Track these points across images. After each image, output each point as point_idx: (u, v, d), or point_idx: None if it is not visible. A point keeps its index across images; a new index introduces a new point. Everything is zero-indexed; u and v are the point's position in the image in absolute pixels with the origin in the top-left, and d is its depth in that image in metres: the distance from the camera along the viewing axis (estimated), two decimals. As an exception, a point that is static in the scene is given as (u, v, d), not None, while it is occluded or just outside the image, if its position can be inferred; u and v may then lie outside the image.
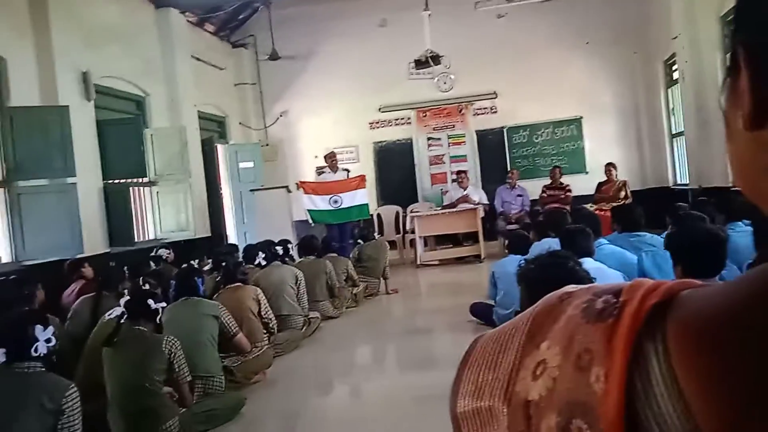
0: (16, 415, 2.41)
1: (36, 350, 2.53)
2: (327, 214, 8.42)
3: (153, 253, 6.24)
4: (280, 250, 6.05)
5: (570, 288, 0.44)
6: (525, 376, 0.40)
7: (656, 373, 0.34)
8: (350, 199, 8.44)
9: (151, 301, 3.23)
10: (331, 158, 8.82)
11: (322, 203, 8.40)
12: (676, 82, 8.37)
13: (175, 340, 3.26)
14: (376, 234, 7.91)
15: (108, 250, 6.57)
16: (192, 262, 6.10)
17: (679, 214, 4.55)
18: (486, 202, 9.30)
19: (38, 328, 2.57)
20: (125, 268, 5.04)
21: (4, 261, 5.61)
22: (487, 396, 0.43)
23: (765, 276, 0.34)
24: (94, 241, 6.30)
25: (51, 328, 2.63)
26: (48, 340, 2.57)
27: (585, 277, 2.09)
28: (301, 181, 8.81)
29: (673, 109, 9.21)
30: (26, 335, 2.54)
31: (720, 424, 0.31)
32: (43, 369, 2.55)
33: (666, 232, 3.22)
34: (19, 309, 3.37)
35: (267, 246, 6.10)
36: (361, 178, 8.69)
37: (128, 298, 3.29)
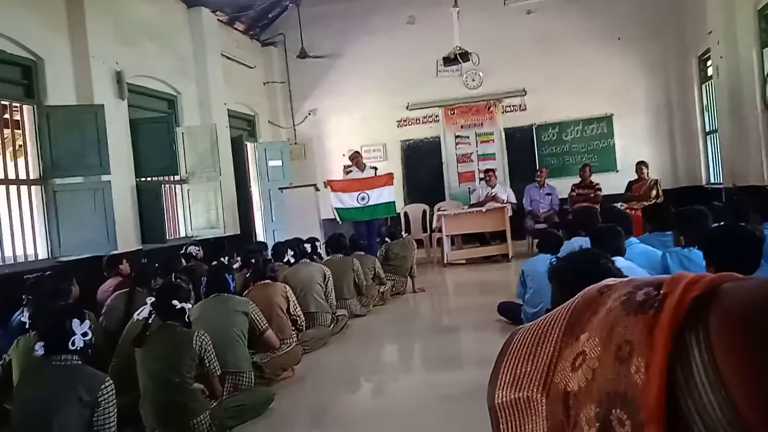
0: (56, 407, 2.48)
1: (73, 343, 2.59)
2: (354, 212, 8.45)
3: (183, 251, 6.34)
4: (308, 247, 6.10)
5: (610, 281, 0.44)
6: (564, 367, 0.41)
7: (698, 364, 0.34)
8: (377, 196, 8.45)
9: (176, 302, 3.27)
10: (354, 158, 8.86)
11: (349, 200, 8.43)
12: (710, 78, 8.19)
13: (205, 335, 3.30)
14: (403, 233, 7.90)
15: (140, 247, 6.70)
16: (222, 259, 6.19)
17: (715, 211, 4.48)
18: (514, 200, 9.22)
19: (75, 321, 2.64)
20: (157, 264, 5.13)
21: (41, 257, 5.76)
22: (525, 387, 0.44)
23: None
24: (127, 238, 6.43)
25: (87, 322, 2.70)
26: (84, 334, 2.64)
27: (618, 275, 2.06)
28: (328, 180, 8.86)
29: (706, 105, 9.01)
30: (64, 329, 2.61)
31: (763, 415, 0.31)
32: (80, 362, 2.61)
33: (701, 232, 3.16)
34: (57, 304, 3.45)
35: (296, 244, 6.15)
36: (389, 176, 8.70)
37: (154, 298, 3.33)
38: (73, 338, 2.60)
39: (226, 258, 6.41)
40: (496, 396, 0.46)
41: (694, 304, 0.36)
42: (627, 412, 0.35)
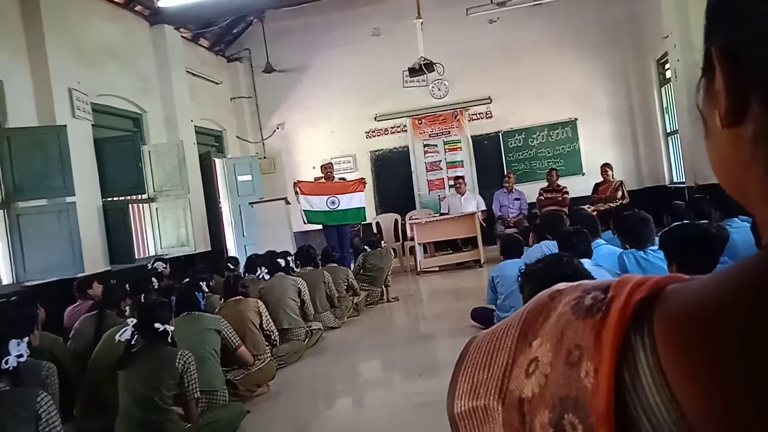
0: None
1: (7, 362, 2.56)
2: (323, 215, 8.32)
3: (149, 267, 6.24)
4: (282, 262, 6.00)
5: (561, 285, 0.44)
6: (518, 374, 0.41)
7: (644, 366, 0.35)
8: (348, 201, 8.38)
9: (157, 324, 3.24)
10: (327, 169, 8.78)
11: (319, 203, 8.28)
12: (669, 80, 8.40)
13: (190, 355, 3.25)
14: (382, 242, 7.88)
15: (109, 268, 6.58)
16: (200, 276, 6.09)
17: (678, 210, 4.59)
18: (483, 207, 9.32)
19: (12, 342, 2.61)
20: (127, 285, 5.04)
21: (4, 282, 5.62)
22: (482, 395, 0.44)
23: (745, 269, 0.35)
24: (95, 259, 6.31)
25: (24, 345, 2.67)
26: (20, 355, 2.61)
27: (588, 276, 2.10)
28: (298, 180, 8.69)
29: (666, 107, 9.23)
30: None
31: (705, 414, 0.32)
32: (7, 388, 2.58)
33: (661, 231, 3.24)
34: (22, 330, 3.37)
35: (269, 258, 6.08)
36: (360, 181, 8.63)
37: (135, 321, 3.29)
38: (6, 358, 2.56)
39: (204, 278, 6.31)
40: (455, 405, 0.46)
41: (640, 306, 0.37)
42: (578, 416, 0.36)
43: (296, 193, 8.37)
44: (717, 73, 0.37)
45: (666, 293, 0.37)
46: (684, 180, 8.09)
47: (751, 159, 0.36)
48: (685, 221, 3.62)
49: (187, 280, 5.35)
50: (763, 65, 0.34)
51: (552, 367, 0.39)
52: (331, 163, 9.07)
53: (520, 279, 2.28)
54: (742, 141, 0.36)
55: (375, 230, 9.73)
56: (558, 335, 0.40)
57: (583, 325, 0.38)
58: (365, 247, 7.43)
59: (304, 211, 8.29)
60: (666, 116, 9.34)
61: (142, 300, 4.22)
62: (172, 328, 3.30)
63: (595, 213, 6.50)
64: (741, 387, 0.31)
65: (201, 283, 4.77)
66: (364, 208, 8.57)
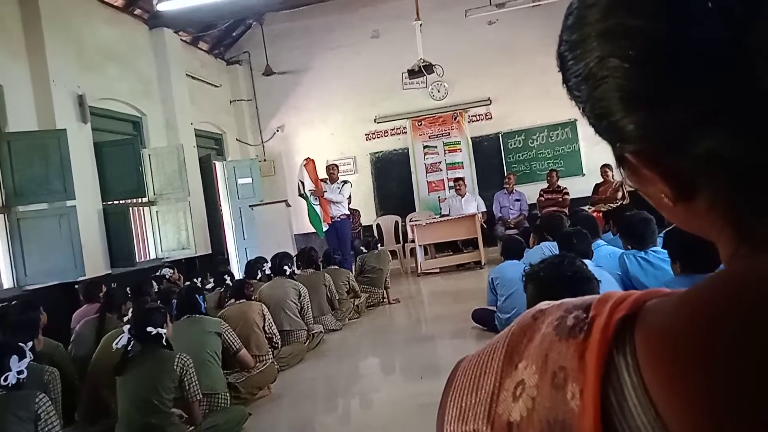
0: None
1: (6, 379, 2.58)
2: (310, 201, 8.21)
3: (157, 273, 6.24)
4: (287, 269, 5.78)
5: (543, 305, 0.44)
6: (506, 397, 0.41)
7: (628, 387, 0.34)
8: (318, 210, 8.23)
9: (150, 328, 3.23)
10: (331, 170, 8.64)
11: (310, 193, 8.21)
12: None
13: (188, 357, 3.25)
14: (379, 245, 7.85)
15: (109, 272, 6.58)
16: (195, 280, 6.11)
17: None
18: (483, 209, 9.31)
19: (14, 358, 2.62)
20: (128, 288, 5.04)
21: (6, 287, 5.62)
22: (471, 420, 0.43)
23: (719, 283, 0.35)
24: (95, 263, 6.31)
25: (26, 361, 2.69)
26: (20, 372, 2.63)
27: (592, 277, 2.10)
28: (309, 159, 8.36)
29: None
30: (0, 364, 2.59)
31: (692, 430, 0.32)
32: (4, 392, 2.59)
33: (665, 230, 3.23)
34: (24, 334, 3.37)
35: (273, 260, 5.94)
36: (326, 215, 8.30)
37: (130, 326, 3.29)
38: (7, 374, 2.58)
39: (199, 279, 6.32)
40: (445, 431, 0.46)
41: (621, 324, 0.36)
42: None
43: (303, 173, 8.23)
44: (640, 168, 0.38)
45: (645, 310, 0.37)
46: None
47: (713, 224, 0.37)
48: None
49: (188, 283, 5.36)
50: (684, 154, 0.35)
51: (538, 389, 0.38)
52: (335, 165, 8.93)
53: (523, 279, 2.28)
54: (698, 213, 0.36)
55: (375, 232, 9.72)
56: (542, 357, 0.39)
57: (566, 346, 0.38)
58: (362, 248, 7.43)
59: (306, 190, 8.15)
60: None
61: (145, 303, 4.22)
62: (165, 331, 3.29)
63: (596, 214, 6.50)
64: (722, 403, 0.31)
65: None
66: (323, 230, 8.20)
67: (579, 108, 0.42)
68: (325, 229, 8.19)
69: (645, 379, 0.34)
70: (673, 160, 0.36)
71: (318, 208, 8.18)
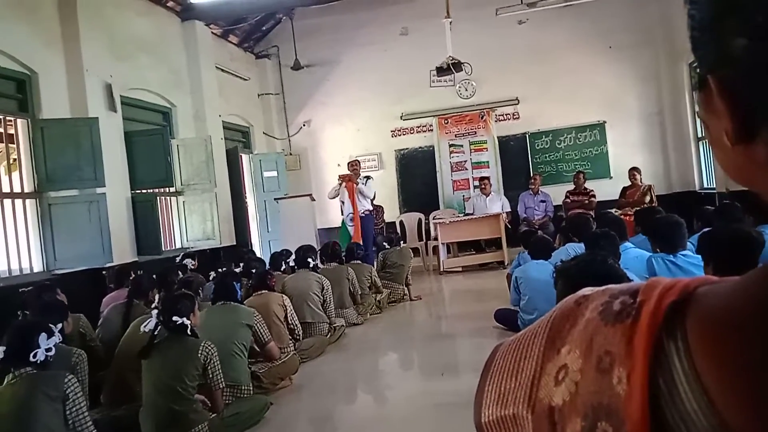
0: (35, 415, 2.51)
1: (35, 356, 2.62)
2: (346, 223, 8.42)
3: (178, 261, 6.32)
4: (310, 260, 5.79)
5: (586, 291, 0.44)
6: (547, 381, 0.40)
7: (679, 372, 0.34)
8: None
9: (176, 317, 3.28)
10: (353, 166, 8.63)
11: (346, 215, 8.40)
12: (701, 84, 8.23)
13: (212, 345, 3.30)
14: (401, 242, 7.86)
15: (136, 259, 6.68)
16: (219, 270, 6.16)
17: (707, 215, 4.51)
18: (508, 209, 9.25)
19: (42, 336, 2.67)
20: (154, 276, 5.11)
21: (36, 270, 5.73)
22: (510, 404, 0.43)
23: None
24: (123, 250, 6.41)
25: (54, 339, 2.73)
26: (48, 350, 2.67)
27: (624, 275, 2.08)
28: (349, 178, 8.27)
29: (698, 111, 9.05)
30: (30, 341, 2.64)
31: (746, 419, 0.31)
32: (35, 371, 2.64)
33: (699, 233, 3.18)
34: (52, 317, 3.44)
35: (298, 253, 5.95)
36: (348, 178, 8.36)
37: (158, 312, 3.34)
38: (36, 351, 2.62)
39: (224, 268, 6.38)
40: (483, 414, 0.45)
41: (671, 310, 0.36)
42: (612, 423, 0.35)
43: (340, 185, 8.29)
44: (715, 95, 0.36)
45: (698, 296, 0.36)
46: (714, 186, 7.94)
47: (765, 177, 0.35)
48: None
49: (224, 269, 5.40)
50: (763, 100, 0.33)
51: (582, 374, 0.38)
52: (358, 160, 8.88)
53: (554, 275, 2.26)
54: (753, 160, 0.35)
55: (398, 229, 9.72)
56: (587, 341, 0.39)
57: (613, 330, 0.37)
58: (385, 244, 7.44)
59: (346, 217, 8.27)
60: (697, 121, 9.17)
61: (172, 294, 4.27)
62: (191, 321, 3.34)
63: (625, 217, 6.41)
64: None
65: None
66: (348, 238, 8.08)
67: (687, 6, 0.38)
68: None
69: (697, 365, 0.33)
70: (750, 94, 0.34)
71: (351, 229, 8.23)
